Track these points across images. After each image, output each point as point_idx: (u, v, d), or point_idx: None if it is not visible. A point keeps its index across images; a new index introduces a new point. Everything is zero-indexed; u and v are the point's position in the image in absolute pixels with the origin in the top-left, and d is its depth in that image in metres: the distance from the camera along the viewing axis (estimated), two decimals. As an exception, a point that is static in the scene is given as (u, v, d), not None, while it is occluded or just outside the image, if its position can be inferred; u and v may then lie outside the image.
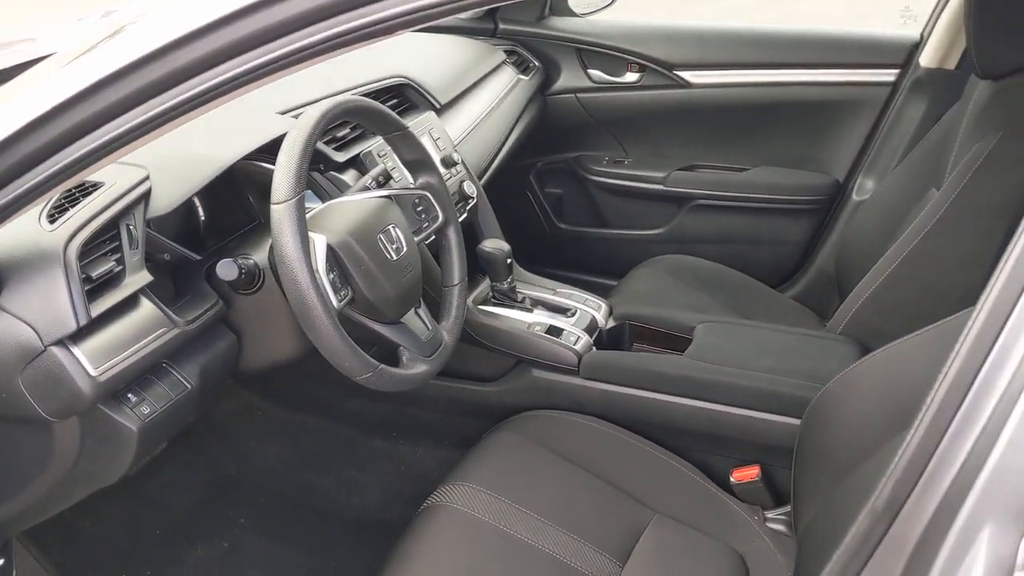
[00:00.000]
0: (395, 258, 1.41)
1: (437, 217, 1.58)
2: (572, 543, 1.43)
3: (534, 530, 1.44)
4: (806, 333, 1.91)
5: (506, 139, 2.36)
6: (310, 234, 1.28)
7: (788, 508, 1.60)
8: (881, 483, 0.78)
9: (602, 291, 2.11)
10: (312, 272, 1.23)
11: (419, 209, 1.55)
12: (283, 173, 1.23)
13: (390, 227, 1.43)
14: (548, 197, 2.84)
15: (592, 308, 1.97)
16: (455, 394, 1.96)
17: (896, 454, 0.78)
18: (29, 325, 1.11)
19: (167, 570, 1.87)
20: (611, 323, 1.97)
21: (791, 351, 1.80)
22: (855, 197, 2.48)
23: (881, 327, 1.77)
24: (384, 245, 1.40)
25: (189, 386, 1.31)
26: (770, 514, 1.63)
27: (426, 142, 1.86)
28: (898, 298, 1.79)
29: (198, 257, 1.41)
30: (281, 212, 1.22)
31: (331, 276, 1.30)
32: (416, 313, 1.51)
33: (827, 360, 1.71)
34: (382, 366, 1.34)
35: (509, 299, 1.94)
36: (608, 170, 2.72)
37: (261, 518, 2.01)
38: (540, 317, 1.90)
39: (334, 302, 1.29)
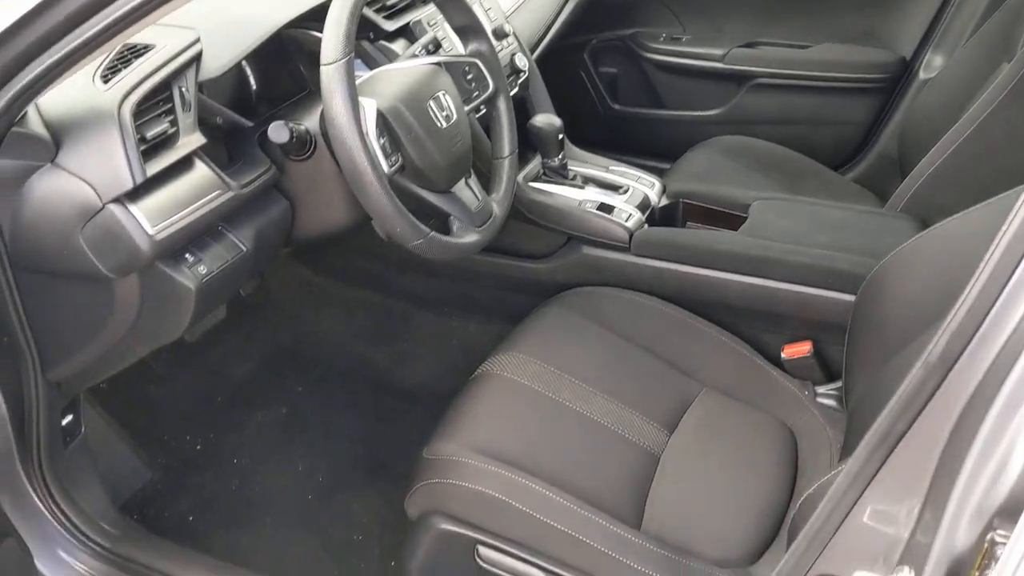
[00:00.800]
0: (445, 126, 1.40)
1: (488, 86, 1.55)
2: (619, 411, 1.45)
3: (582, 398, 1.46)
4: (864, 210, 1.87)
5: (559, 13, 2.29)
6: (360, 99, 1.27)
7: (839, 384, 1.59)
8: (936, 336, 0.77)
9: (656, 174, 2.07)
10: (362, 135, 1.23)
11: (469, 77, 1.53)
12: (332, 33, 1.22)
13: (440, 94, 1.41)
14: (602, 77, 2.77)
15: (645, 186, 1.94)
16: (506, 271, 1.96)
17: None
18: (87, 183, 1.13)
19: (229, 433, 1.95)
20: (664, 201, 1.95)
21: (848, 227, 1.76)
22: (922, 75, 2.38)
23: (943, 204, 1.71)
24: (434, 112, 1.39)
25: (244, 248, 1.34)
26: (821, 389, 1.63)
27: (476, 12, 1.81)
28: (961, 175, 1.74)
29: (250, 124, 1.42)
30: (330, 73, 1.21)
31: (381, 141, 1.30)
32: (466, 183, 1.51)
33: (884, 236, 1.67)
34: (433, 233, 1.35)
35: (560, 176, 1.91)
36: (665, 47, 2.63)
37: (318, 387, 2.08)
38: (592, 194, 1.89)
39: (384, 167, 1.29)
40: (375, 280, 2.18)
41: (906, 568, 0.78)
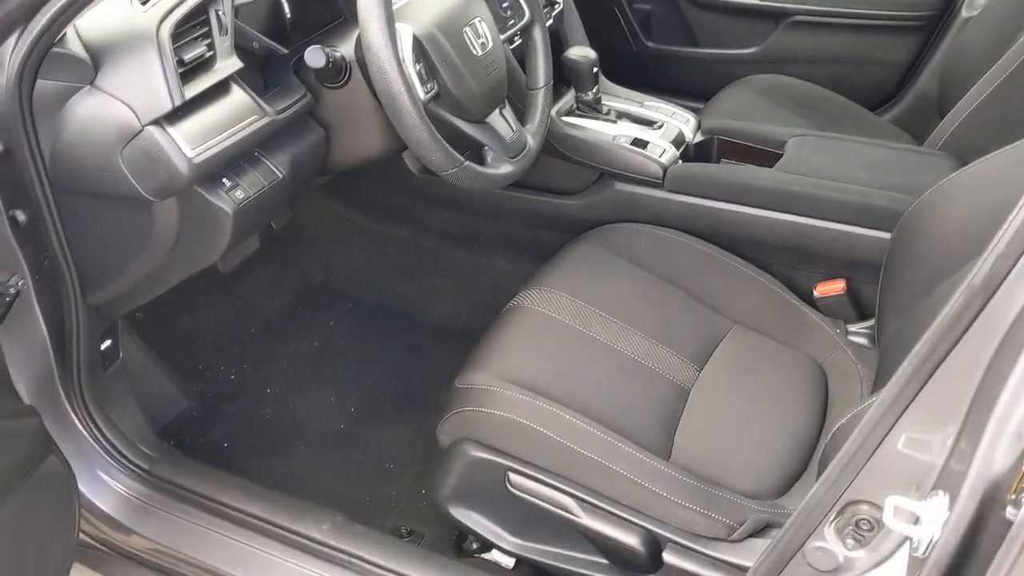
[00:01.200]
0: (480, 53, 1.39)
1: (523, 14, 1.53)
2: (650, 346, 1.46)
3: (612, 333, 1.46)
4: (902, 147, 1.84)
5: (594, -54, 2.25)
6: (396, 24, 1.25)
7: (871, 322, 1.58)
8: (980, 260, 0.76)
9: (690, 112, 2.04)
10: (399, 60, 1.22)
11: (505, 5, 1.51)
12: None
13: (476, 21, 1.39)
14: (636, 13, 2.71)
15: (679, 121, 1.92)
16: (537, 207, 1.96)
17: None
18: (126, 105, 1.14)
19: (262, 364, 1.98)
20: (699, 137, 1.92)
21: (885, 165, 1.74)
22: (964, 13, 2.31)
23: (982, 143, 1.67)
24: (470, 39, 1.37)
25: (280, 175, 1.34)
26: (852, 327, 1.62)
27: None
28: (1002, 113, 1.70)
29: (285, 51, 1.41)
30: (368, -4, 1.20)
31: (417, 68, 1.29)
32: (501, 114, 1.50)
33: (922, 173, 1.65)
34: (467, 162, 1.34)
35: (594, 111, 1.89)
36: (701, -18, 2.58)
37: (350, 321, 2.10)
38: (625, 129, 1.86)
39: (420, 94, 1.28)
40: (406, 216, 2.18)
41: (940, 492, 0.78)
